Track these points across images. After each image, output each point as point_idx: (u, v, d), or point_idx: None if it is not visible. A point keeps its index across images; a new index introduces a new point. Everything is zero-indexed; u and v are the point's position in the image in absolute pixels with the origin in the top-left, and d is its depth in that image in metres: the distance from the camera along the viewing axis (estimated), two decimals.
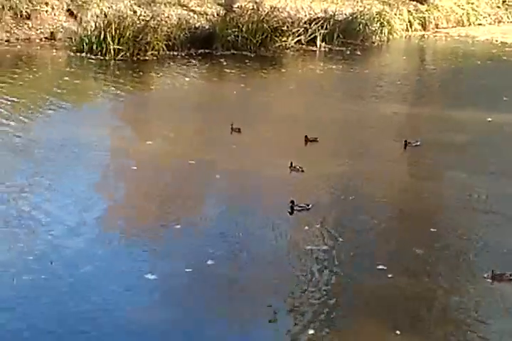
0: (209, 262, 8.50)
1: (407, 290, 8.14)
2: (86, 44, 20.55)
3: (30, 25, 22.61)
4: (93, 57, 20.29)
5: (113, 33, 20.38)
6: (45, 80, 17.85)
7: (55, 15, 23.24)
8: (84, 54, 20.51)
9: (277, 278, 8.25)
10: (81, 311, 7.33)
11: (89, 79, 18.71)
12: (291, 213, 10.00)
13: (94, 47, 20.42)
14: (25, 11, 22.55)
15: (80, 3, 23.83)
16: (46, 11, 23.08)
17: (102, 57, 20.23)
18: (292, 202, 9.97)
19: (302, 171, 11.51)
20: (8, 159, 11.63)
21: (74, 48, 20.85)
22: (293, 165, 11.58)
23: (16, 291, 7.63)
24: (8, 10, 22.32)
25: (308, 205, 10.04)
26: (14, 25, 22.32)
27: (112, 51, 20.32)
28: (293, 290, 8.04)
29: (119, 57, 20.29)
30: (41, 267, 8.12)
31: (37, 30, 22.66)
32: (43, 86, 16.96)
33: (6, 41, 21.72)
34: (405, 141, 13.15)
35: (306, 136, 13.08)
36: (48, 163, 11.52)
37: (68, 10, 23.58)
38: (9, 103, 14.97)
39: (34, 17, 22.69)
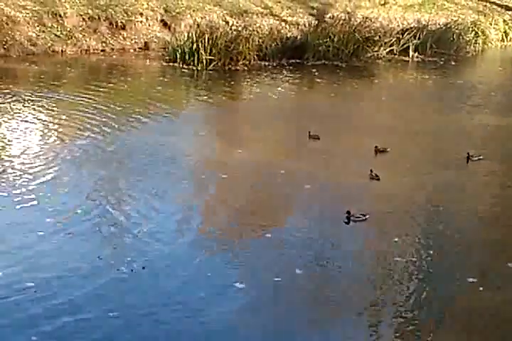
0: (297, 271, 8.44)
1: (499, 305, 7.90)
2: (179, 54, 20.83)
3: (125, 36, 23.08)
4: (185, 67, 20.55)
5: (205, 43, 20.61)
6: (139, 89, 18.16)
7: (149, 25, 23.67)
8: (176, 64, 20.79)
9: (366, 290, 8.13)
10: (172, 316, 7.37)
11: (182, 89, 18.95)
12: (347, 223, 9.89)
13: (187, 57, 20.69)
14: (121, 22, 23.05)
15: (173, 13, 24.22)
16: (141, 22, 23.53)
17: (194, 67, 20.47)
18: (348, 212, 9.88)
19: (378, 179, 11.47)
20: (103, 166, 11.81)
21: (167, 58, 21.16)
22: (373, 172, 11.56)
23: (114, 295, 7.71)
24: (104, 20, 22.85)
25: (364, 215, 9.91)
26: (110, 35, 22.82)
27: (204, 61, 20.54)
28: (382, 301, 7.91)
29: (210, 67, 20.50)
30: (133, 272, 8.19)
31: (131, 40, 23.12)
32: (137, 95, 17.25)
33: (101, 51, 22.24)
34: (468, 154, 12.82)
35: (376, 147, 13.01)
36: (141, 170, 11.65)
37: (162, 20, 24.00)
38: (104, 111, 15.27)
39: (129, 27, 23.17)
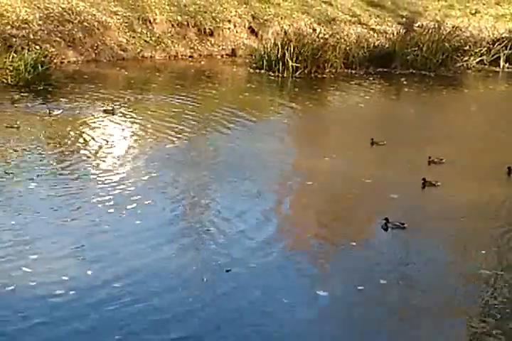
0: (382, 281, 8.31)
1: None
2: (265, 61, 20.87)
3: (213, 42, 23.28)
4: (272, 73, 20.58)
5: (292, 51, 20.59)
6: (226, 95, 18.25)
7: (237, 32, 23.82)
8: (263, 71, 20.84)
9: (450, 302, 7.94)
10: (256, 322, 7.36)
11: (268, 96, 18.97)
12: (385, 230, 9.76)
13: (273, 64, 20.70)
14: (209, 28, 23.26)
15: (261, 21, 24.32)
16: (228, 28, 23.70)
17: (280, 74, 20.49)
18: (386, 219, 9.78)
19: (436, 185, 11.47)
20: (191, 170, 11.89)
21: (253, 65, 21.24)
22: (426, 180, 11.50)
23: (198, 298, 7.73)
24: (193, 27, 23.10)
25: (403, 224, 9.79)
26: (198, 41, 23.04)
27: (290, 68, 20.53)
28: (469, 314, 7.72)
29: (297, 74, 20.48)
30: (218, 277, 8.20)
31: (219, 46, 23.30)
32: (224, 101, 17.34)
33: (189, 57, 22.48)
34: (508, 168, 12.43)
35: (429, 157, 12.79)
36: (227, 176, 11.68)
37: (250, 27, 24.12)
38: (192, 116, 15.42)
39: (217, 34, 23.36)
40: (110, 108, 15.42)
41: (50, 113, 14.62)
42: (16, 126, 13.64)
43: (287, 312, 7.56)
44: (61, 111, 14.85)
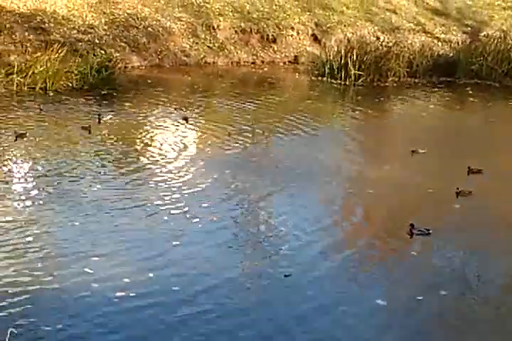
0: (442, 292, 8.20)
1: None
2: (327, 68, 20.77)
3: (276, 49, 23.28)
4: (334, 81, 20.49)
5: (354, 58, 20.48)
6: (289, 102, 18.23)
7: (299, 39, 23.79)
8: (325, 78, 20.74)
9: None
10: (310, 327, 7.33)
11: (330, 103, 18.91)
12: (411, 236, 9.68)
13: (336, 71, 20.60)
14: (272, 35, 23.27)
15: (324, 28, 24.26)
16: (291, 36, 23.68)
17: (342, 82, 20.37)
18: (412, 225, 9.71)
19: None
20: (251, 176, 11.91)
21: (316, 72, 21.16)
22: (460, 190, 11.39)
23: (254, 302, 7.74)
24: (256, 33, 23.13)
25: (428, 230, 9.74)
26: (260, 48, 23.08)
27: (353, 76, 20.41)
28: None
29: (359, 82, 20.35)
30: (276, 283, 8.19)
31: (281, 53, 23.29)
32: (286, 108, 17.32)
33: (251, 63, 22.52)
34: None
35: (469, 167, 12.54)
36: (287, 183, 11.66)
37: (313, 35, 24.07)
38: (254, 122, 15.46)
39: (280, 41, 23.36)
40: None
41: (100, 119, 14.60)
42: (87, 126, 13.94)
43: (344, 318, 7.51)
44: (110, 116, 14.80)
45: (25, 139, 13.03)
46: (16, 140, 12.98)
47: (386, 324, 7.57)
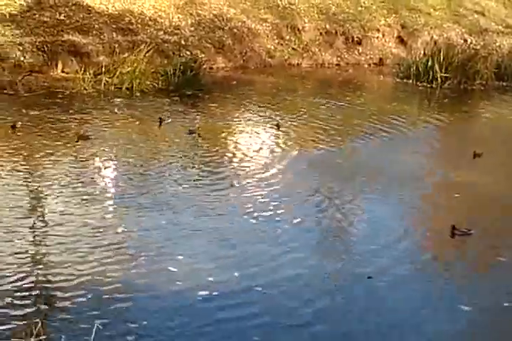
0: None
1: None
2: (413, 71, 20.53)
3: (361, 51, 23.13)
4: (419, 84, 20.24)
5: (441, 61, 20.18)
6: (374, 105, 18.05)
7: (385, 41, 23.59)
8: (410, 81, 20.51)
9: None
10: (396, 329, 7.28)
11: (416, 106, 18.67)
12: (452, 237, 9.52)
13: (422, 74, 20.34)
14: (357, 37, 23.13)
15: (411, 30, 24.00)
16: (377, 37, 23.49)
17: (428, 85, 20.10)
18: (453, 226, 9.58)
19: None
20: (333, 178, 11.86)
21: (401, 74, 20.93)
22: None
23: (344, 304, 7.71)
24: (341, 35, 23.02)
25: (469, 230, 9.60)
26: (345, 50, 22.96)
27: (439, 79, 20.12)
28: None
29: (445, 85, 20.04)
30: (359, 284, 8.16)
31: (366, 55, 23.13)
32: (371, 110, 17.14)
33: (336, 65, 22.43)
34: None
35: None
36: (368, 187, 11.54)
37: (399, 37, 23.82)
38: (338, 124, 15.42)
39: (365, 43, 23.19)
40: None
41: (161, 122, 14.44)
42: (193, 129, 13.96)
43: (425, 324, 7.40)
44: (170, 120, 14.64)
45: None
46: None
47: (466, 329, 7.43)
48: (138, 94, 16.97)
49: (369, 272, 8.38)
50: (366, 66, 22.79)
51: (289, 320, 7.26)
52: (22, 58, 17.96)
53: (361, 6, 24.21)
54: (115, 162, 12.07)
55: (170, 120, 14.61)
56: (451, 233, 9.63)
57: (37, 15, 19.26)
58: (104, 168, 11.70)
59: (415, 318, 7.54)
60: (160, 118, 14.53)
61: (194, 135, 13.74)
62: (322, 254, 8.95)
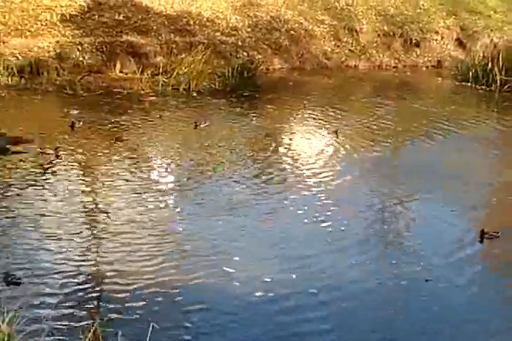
0: None
1: None
2: (472, 73, 20.25)
3: (418, 53, 22.92)
4: (478, 87, 19.95)
5: (501, 64, 19.87)
6: (432, 107, 17.75)
7: (443, 43, 23.35)
8: (469, 83, 20.23)
9: None
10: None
11: (475, 109, 18.39)
12: (481, 241, 9.35)
13: (480, 77, 20.05)
14: (415, 39, 22.93)
15: (470, 32, 23.70)
16: (435, 40, 23.27)
17: (487, 88, 19.81)
18: (482, 231, 9.43)
19: None
20: (387, 181, 11.76)
21: (459, 77, 20.67)
22: None
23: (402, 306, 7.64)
24: (399, 37, 22.83)
25: (497, 233, 9.46)
26: (403, 52, 22.77)
27: (498, 82, 19.81)
28: None
29: (505, 88, 19.71)
30: (418, 287, 8.08)
31: (424, 57, 22.91)
32: (429, 113, 16.89)
33: (393, 67, 22.26)
34: None
35: None
36: (423, 190, 11.38)
37: (457, 39, 23.55)
38: (396, 127, 15.34)
39: (423, 45, 22.98)
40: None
41: (196, 125, 14.27)
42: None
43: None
44: (207, 123, 14.46)
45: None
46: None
47: None
48: (195, 94, 17.06)
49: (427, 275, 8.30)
50: (424, 68, 22.57)
51: (354, 324, 7.23)
52: (81, 58, 18.22)
53: (420, 8, 24.00)
54: (170, 162, 12.13)
55: (207, 123, 14.47)
56: (480, 237, 9.47)
57: (96, 16, 19.50)
58: (164, 169, 11.79)
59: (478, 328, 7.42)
60: (195, 122, 14.36)
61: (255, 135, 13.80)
62: (381, 258, 8.86)
